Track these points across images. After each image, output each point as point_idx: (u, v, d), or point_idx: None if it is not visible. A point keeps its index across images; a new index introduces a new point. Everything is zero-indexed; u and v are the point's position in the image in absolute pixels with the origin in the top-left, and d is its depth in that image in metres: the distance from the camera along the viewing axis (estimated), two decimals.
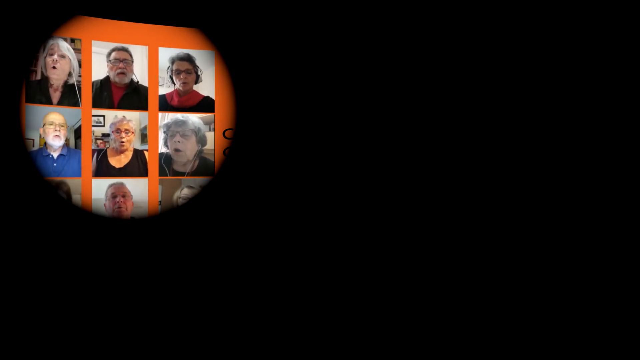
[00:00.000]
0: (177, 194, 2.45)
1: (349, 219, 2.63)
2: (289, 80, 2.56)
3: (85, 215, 2.27)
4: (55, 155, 2.24)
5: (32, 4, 2.16)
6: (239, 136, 2.53)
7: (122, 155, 2.38)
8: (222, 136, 2.53)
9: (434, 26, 2.65)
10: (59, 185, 2.24)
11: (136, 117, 2.40)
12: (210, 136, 2.52)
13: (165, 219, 2.42)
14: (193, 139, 2.49)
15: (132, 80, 2.39)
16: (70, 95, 2.27)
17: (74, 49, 2.27)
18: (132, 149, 2.39)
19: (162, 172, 2.45)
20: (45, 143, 2.22)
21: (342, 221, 2.62)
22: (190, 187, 2.47)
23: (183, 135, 2.47)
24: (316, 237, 2.59)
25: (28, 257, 2.16)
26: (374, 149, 2.66)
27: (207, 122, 2.51)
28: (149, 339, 2.22)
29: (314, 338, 2.34)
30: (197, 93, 2.50)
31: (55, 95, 2.24)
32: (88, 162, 2.31)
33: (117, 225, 2.34)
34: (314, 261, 2.58)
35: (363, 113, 2.65)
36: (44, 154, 2.22)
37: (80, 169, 2.30)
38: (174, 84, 2.46)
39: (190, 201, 2.46)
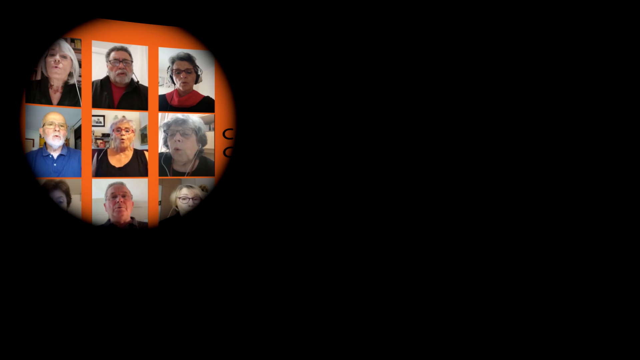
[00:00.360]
0: (175, 194, 2.45)
1: (356, 222, 2.61)
2: (287, 80, 2.55)
3: (81, 223, 2.27)
4: (55, 155, 2.24)
5: (42, 5, 2.17)
6: (239, 137, 2.52)
7: (122, 155, 2.38)
8: (222, 136, 2.53)
9: (432, 26, 2.63)
10: (59, 185, 2.25)
11: (136, 117, 2.40)
12: (210, 136, 2.51)
13: (165, 229, 2.41)
14: (193, 138, 2.49)
15: (132, 80, 2.39)
16: (70, 96, 2.28)
17: (73, 49, 2.27)
18: (132, 149, 2.39)
19: (162, 172, 2.45)
20: (45, 143, 2.22)
21: (349, 225, 2.60)
22: (189, 186, 2.47)
23: (183, 134, 2.47)
24: (321, 240, 2.58)
25: (21, 263, 2.16)
26: (375, 146, 2.64)
27: (207, 122, 2.51)
28: (152, 350, 2.22)
29: (320, 344, 2.33)
30: (197, 93, 2.50)
31: (55, 96, 2.25)
32: (88, 162, 2.31)
33: (116, 234, 2.33)
34: (319, 266, 2.57)
35: (363, 110, 2.63)
36: (44, 154, 2.23)
37: (80, 169, 2.30)
38: (174, 84, 2.46)
39: (193, 209, 2.46)
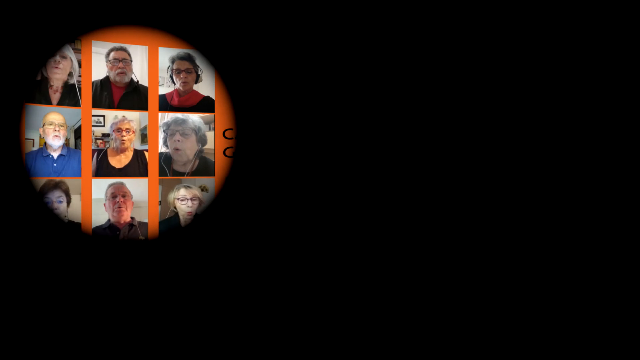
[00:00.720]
0: (172, 195, 2.45)
1: (360, 223, 2.60)
2: (286, 79, 2.54)
3: (79, 228, 2.28)
4: (55, 155, 2.25)
5: (49, 11, 2.17)
6: (240, 137, 2.52)
7: (123, 156, 2.38)
8: (222, 136, 2.52)
9: (430, 26, 2.60)
10: (59, 185, 2.26)
11: (136, 117, 2.40)
12: (210, 136, 2.51)
13: (165, 236, 2.41)
14: (193, 137, 2.48)
15: (132, 79, 2.39)
16: (70, 96, 2.28)
17: (73, 49, 2.28)
18: (132, 149, 2.40)
19: (162, 172, 2.45)
20: (45, 143, 2.23)
21: (354, 228, 2.59)
22: (187, 187, 2.47)
23: (183, 134, 2.47)
24: (323, 242, 2.57)
25: (18, 266, 2.16)
26: (376, 141, 2.63)
27: (207, 122, 2.51)
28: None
29: (327, 352, 2.33)
30: (197, 93, 2.50)
31: (55, 96, 2.25)
32: (88, 162, 2.32)
33: (115, 240, 2.33)
34: (322, 267, 2.56)
35: (363, 107, 2.62)
36: (44, 154, 2.24)
37: (80, 169, 2.31)
38: (174, 84, 2.46)
39: (192, 211, 2.45)
